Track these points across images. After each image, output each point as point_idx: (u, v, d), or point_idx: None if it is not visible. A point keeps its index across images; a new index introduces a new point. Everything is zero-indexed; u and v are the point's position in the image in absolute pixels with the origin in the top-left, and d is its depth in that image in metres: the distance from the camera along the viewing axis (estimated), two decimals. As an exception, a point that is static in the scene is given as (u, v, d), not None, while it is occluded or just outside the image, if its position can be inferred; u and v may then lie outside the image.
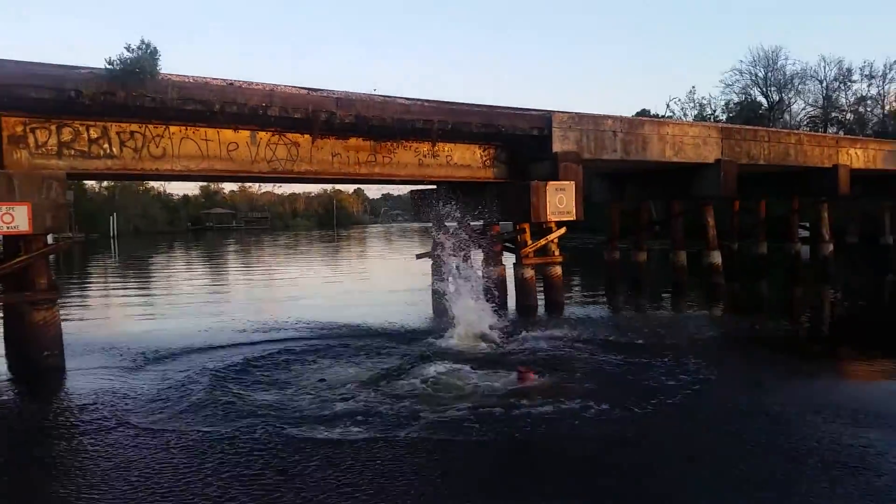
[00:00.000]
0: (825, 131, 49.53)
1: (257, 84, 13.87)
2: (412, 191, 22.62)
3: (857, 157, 26.08)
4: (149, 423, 8.86)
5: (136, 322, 19.33)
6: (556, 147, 17.76)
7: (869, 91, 56.92)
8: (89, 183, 78.18)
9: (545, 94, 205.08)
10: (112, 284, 32.41)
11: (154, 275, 37.33)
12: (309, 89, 14.61)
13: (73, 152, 12.79)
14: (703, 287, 23.09)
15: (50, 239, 13.65)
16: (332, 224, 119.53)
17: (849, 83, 56.83)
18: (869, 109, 56.84)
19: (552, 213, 17.76)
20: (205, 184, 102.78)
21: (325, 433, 8.29)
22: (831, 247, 27.58)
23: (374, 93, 15.50)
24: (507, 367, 11.36)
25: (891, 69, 55.02)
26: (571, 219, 18.24)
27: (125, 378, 11.56)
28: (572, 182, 17.88)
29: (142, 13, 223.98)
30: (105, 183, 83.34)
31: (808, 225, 30.35)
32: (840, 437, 7.93)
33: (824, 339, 16.37)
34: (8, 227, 11.61)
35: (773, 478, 6.86)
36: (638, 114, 54.38)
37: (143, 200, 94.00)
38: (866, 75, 55.95)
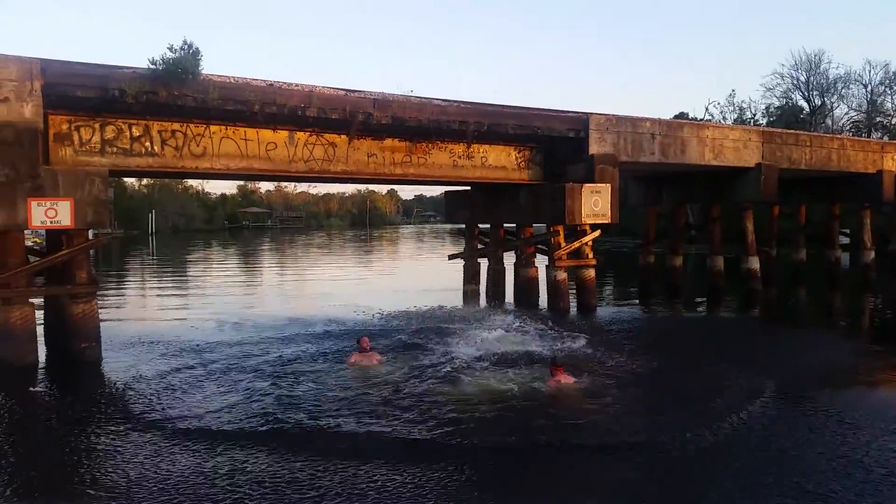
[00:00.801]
0: (869, 136, 48.36)
1: (296, 85, 14.01)
2: (446, 192, 22.65)
3: (902, 162, 25.41)
4: (180, 422, 8.97)
5: (172, 315, 19.66)
6: (593, 149, 17.63)
7: (916, 95, 55.40)
8: (129, 181, 79.78)
9: (581, 97, 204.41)
10: (149, 280, 33.02)
11: (190, 271, 37.92)
12: (347, 90, 14.72)
13: (115, 150, 13.07)
14: (741, 293, 22.69)
15: (90, 234, 13.97)
16: (364, 224, 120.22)
17: (895, 87, 55.39)
18: (916, 114, 55.30)
19: (587, 216, 17.62)
20: (242, 183, 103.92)
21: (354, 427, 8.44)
22: (873, 254, 26.90)
23: (410, 94, 15.55)
24: (540, 368, 11.36)
25: (939, 73, 53.49)
26: (606, 222, 18.08)
27: (159, 371, 11.81)
28: (608, 185, 17.73)
29: (182, 11, 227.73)
30: (145, 181, 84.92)
31: (848, 232, 29.66)
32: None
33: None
34: (51, 222, 11.88)
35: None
36: (676, 117, 53.63)
37: (182, 199, 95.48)
38: (913, 79, 54.45)
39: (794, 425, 8.88)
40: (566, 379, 10.62)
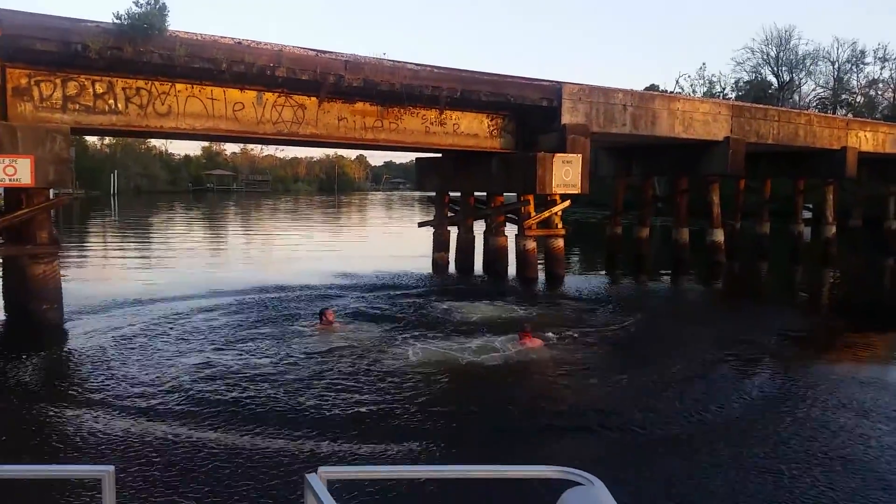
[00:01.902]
0: (834, 113, 49.10)
1: (265, 44, 13.69)
2: (417, 158, 22.48)
3: (866, 139, 25.90)
4: (134, 393, 8.76)
5: (135, 278, 19.34)
6: (565, 119, 17.59)
7: (881, 74, 56.36)
8: (91, 139, 77.59)
9: (553, 66, 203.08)
10: (112, 241, 32.39)
11: (154, 233, 37.27)
12: (318, 51, 14.43)
13: (77, 107, 12.66)
14: (705, 265, 23.07)
15: (51, 194, 13.59)
16: (333, 189, 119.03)
17: (861, 65, 56.23)
18: (880, 93, 56.29)
19: (558, 186, 17.65)
20: (207, 144, 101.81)
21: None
22: (834, 229, 27.47)
23: (383, 57, 15.31)
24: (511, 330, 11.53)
25: (904, 52, 54.42)
26: (577, 192, 18.15)
27: (120, 334, 11.64)
28: (579, 155, 17.74)
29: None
30: (106, 140, 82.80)
31: (811, 206, 30.21)
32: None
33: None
34: (10, 180, 11.53)
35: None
36: (647, 89, 53.81)
37: (145, 159, 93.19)
38: (880, 58, 55.33)
39: (749, 394, 9.07)
40: (533, 342, 10.85)
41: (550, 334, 11.52)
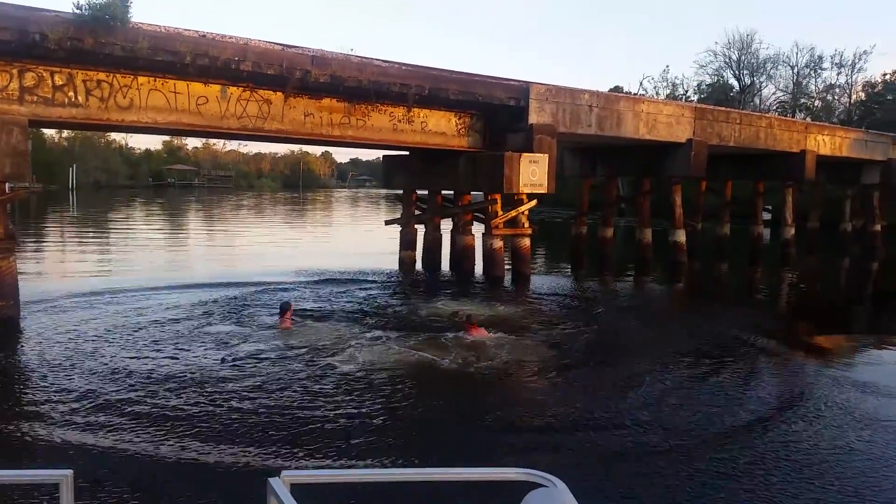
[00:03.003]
0: (793, 117, 50.17)
1: (231, 37, 13.50)
2: (384, 156, 22.39)
3: (824, 143, 26.53)
4: (87, 394, 8.61)
5: (93, 274, 18.96)
6: (532, 119, 17.68)
7: (838, 80, 57.83)
8: (48, 132, 75.80)
9: (518, 65, 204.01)
10: (70, 237, 31.66)
11: (113, 229, 36.53)
12: (284, 45, 14.27)
13: (35, 98, 12.31)
14: (666, 265, 23.41)
15: (6, 188, 13.20)
16: (297, 186, 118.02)
17: (819, 70, 57.66)
18: (836, 98, 57.77)
19: (524, 185, 17.72)
20: (168, 139, 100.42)
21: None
22: (793, 231, 28.11)
23: (350, 53, 15.21)
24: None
25: (860, 59, 55.94)
26: (543, 192, 18.25)
27: (77, 330, 11.40)
28: (546, 155, 17.84)
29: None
30: (65, 133, 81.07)
31: (770, 208, 30.85)
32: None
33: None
34: (-35, 173, 11.18)
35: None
36: (611, 90, 54.37)
37: (104, 153, 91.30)
38: (836, 64, 56.78)
39: (699, 389, 9.24)
40: (480, 333, 11.12)
41: (494, 333, 11.60)
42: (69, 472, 2.18)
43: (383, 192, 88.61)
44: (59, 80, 12.51)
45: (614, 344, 12.11)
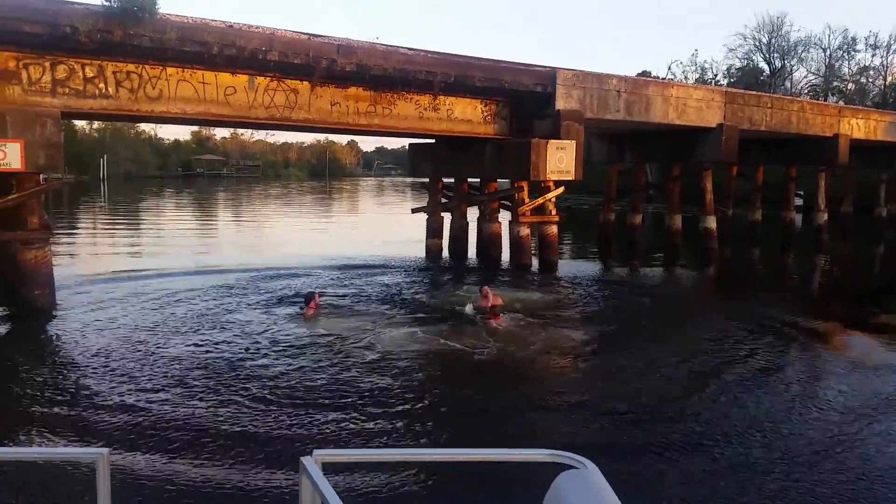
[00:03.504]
0: (825, 100, 49.22)
1: (258, 27, 13.54)
2: (411, 144, 22.37)
3: (857, 127, 25.96)
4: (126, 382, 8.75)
5: (127, 263, 19.23)
6: (559, 105, 17.52)
7: (872, 61, 56.51)
8: (79, 124, 76.80)
9: (546, 52, 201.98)
10: (103, 227, 32.16)
11: (145, 218, 37.05)
12: (310, 35, 14.29)
13: (67, 90, 12.48)
14: (697, 251, 23.13)
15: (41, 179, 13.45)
16: (324, 175, 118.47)
17: (852, 52, 56.36)
18: (871, 80, 56.43)
19: (551, 172, 17.60)
20: (196, 129, 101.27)
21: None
22: (826, 216, 27.60)
23: (376, 41, 15.19)
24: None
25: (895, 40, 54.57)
26: (571, 178, 18.10)
27: (110, 318, 11.58)
28: (573, 141, 17.69)
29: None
30: (95, 124, 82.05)
31: (802, 193, 30.31)
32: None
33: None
34: (0, 164, 11.38)
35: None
36: (639, 75, 53.73)
37: (134, 144, 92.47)
38: (871, 45, 55.47)
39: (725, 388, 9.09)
40: (495, 300, 11.85)
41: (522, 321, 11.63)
42: (105, 451, 2.23)
43: (409, 180, 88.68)
44: (89, 72, 12.66)
45: (645, 330, 12.02)
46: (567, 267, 19.70)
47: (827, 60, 56.71)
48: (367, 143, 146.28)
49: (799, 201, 29.65)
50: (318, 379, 8.53)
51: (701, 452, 6.67)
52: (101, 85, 12.82)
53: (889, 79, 55.56)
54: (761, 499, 5.76)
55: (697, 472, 6.25)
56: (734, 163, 24.64)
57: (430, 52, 15.90)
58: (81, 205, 45.42)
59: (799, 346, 11.34)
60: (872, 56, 56.31)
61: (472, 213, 20.73)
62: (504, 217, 19.55)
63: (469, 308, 12.19)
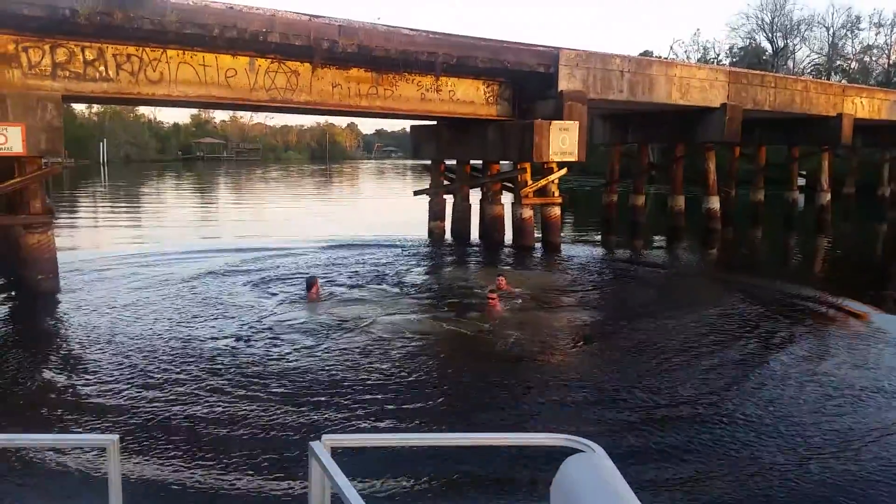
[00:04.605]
0: (828, 79, 48.89)
1: (258, 9, 13.42)
2: (412, 126, 22.25)
3: (861, 106, 25.81)
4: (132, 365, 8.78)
5: (129, 246, 19.23)
6: (562, 85, 17.40)
7: (876, 40, 56.14)
8: (78, 107, 76.56)
9: (546, 30, 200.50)
10: (104, 210, 32.13)
11: (146, 202, 37.00)
12: (311, 16, 14.16)
13: (68, 74, 12.41)
14: (699, 232, 23.08)
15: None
16: (324, 158, 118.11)
17: (856, 31, 55.93)
18: (875, 59, 56.05)
19: (554, 154, 17.51)
20: (196, 112, 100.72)
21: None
22: (829, 196, 27.52)
23: (378, 22, 15.05)
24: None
25: (900, 18, 54.14)
26: (574, 160, 18.02)
27: (113, 302, 11.58)
28: (576, 122, 17.58)
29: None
30: (95, 108, 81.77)
31: (805, 174, 30.20)
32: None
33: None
34: (2, 148, 11.33)
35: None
36: (641, 55, 53.36)
37: (134, 127, 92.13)
38: (875, 23, 55.04)
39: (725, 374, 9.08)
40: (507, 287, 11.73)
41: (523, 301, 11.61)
42: (115, 437, 2.25)
43: (409, 162, 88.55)
44: (89, 55, 12.57)
45: (647, 311, 12.00)
46: (570, 249, 19.68)
47: (830, 39, 56.30)
48: (367, 126, 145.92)
49: (802, 182, 29.55)
50: (321, 363, 8.52)
51: (706, 431, 6.68)
52: (102, 68, 12.74)
53: (893, 57, 55.20)
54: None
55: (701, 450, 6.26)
56: (737, 143, 24.53)
57: (431, 32, 15.77)
58: (82, 189, 45.35)
59: (822, 325, 11.34)
60: (876, 34, 56.03)
61: (475, 195, 20.67)
62: (507, 199, 19.50)
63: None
